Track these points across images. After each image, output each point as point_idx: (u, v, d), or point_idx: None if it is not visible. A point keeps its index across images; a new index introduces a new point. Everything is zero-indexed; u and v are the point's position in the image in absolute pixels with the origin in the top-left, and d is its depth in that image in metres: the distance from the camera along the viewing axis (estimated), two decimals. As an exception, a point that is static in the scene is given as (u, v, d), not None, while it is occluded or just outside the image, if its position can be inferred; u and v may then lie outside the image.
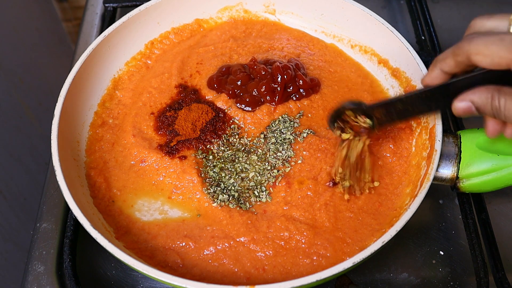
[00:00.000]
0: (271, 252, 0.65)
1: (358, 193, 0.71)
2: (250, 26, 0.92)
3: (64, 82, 0.75)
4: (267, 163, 0.75)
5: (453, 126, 0.83)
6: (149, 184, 0.73)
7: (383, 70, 0.84)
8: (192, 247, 0.66)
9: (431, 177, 0.65)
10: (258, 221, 0.68)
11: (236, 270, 0.65)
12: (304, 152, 0.75)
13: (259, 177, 0.73)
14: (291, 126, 0.78)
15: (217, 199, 0.70)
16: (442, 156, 0.68)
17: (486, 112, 0.58)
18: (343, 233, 0.67)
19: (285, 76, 0.79)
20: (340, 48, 0.90)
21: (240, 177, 0.73)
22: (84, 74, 0.78)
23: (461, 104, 0.59)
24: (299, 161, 0.74)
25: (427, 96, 0.63)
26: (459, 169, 0.69)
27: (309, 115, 0.80)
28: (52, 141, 0.69)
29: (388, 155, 0.75)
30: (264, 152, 0.76)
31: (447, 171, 0.69)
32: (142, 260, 0.62)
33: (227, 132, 0.78)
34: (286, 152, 0.75)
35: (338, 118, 0.70)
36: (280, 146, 0.76)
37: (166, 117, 0.79)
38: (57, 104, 0.72)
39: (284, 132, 0.77)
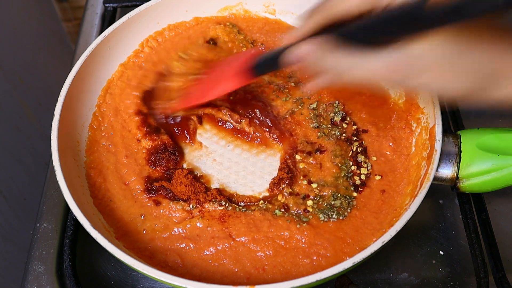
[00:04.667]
0: (271, 252, 0.65)
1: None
2: (250, 24, 0.92)
3: (64, 82, 0.75)
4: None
5: (453, 126, 0.83)
6: None
7: (383, 70, 0.84)
8: (192, 247, 0.66)
9: (431, 177, 0.65)
10: (260, 220, 0.68)
11: (236, 270, 0.64)
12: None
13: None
14: None
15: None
16: (442, 156, 0.68)
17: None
18: (343, 233, 0.67)
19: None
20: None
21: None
22: (84, 74, 0.78)
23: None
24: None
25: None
26: (459, 169, 0.69)
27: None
28: (52, 141, 0.69)
29: (388, 153, 0.75)
30: None
31: (447, 171, 0.69)
32: (142, 260, 0.62)
33: None
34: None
35: None
36: None
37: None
38: (57, 104, 0.72)
39: None
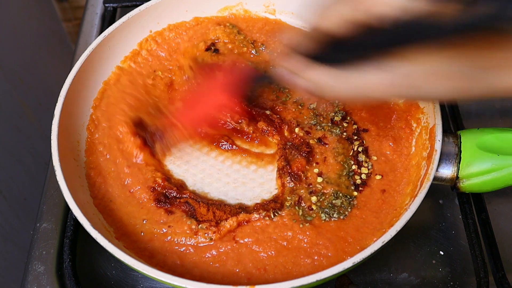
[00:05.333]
0: (273, 253, 0.65)
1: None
2: (250, 24, 0.92)
3: (64, 82, 0.75)
4: None
5: (453, 126, 0.83)
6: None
7: (383, 70, 0.84)
8: (192, 251, 0.66)
9: (431, 177, 0.65)
10: (266, 222, 0.68)
11: (237, 270, 0.64)
12: None
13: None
14: None
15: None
16: (442, 156, 0.68)
17: None
18: (345, 233, 0.67)
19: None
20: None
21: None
22: (84, 74, 0.78)
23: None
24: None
25: None
26: (459, 169, 0.69)
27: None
28: (52, 141, 0.69)
29: (388, 152, 0.75)
30: None
31: (447, 171, 0.69)
32: (142, 260, 0.62)
33: None
34: None
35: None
36: None
37: None
38: (57, 104, 0.72)
39: None
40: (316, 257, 0.65)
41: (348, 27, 0.48)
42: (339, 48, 0.51)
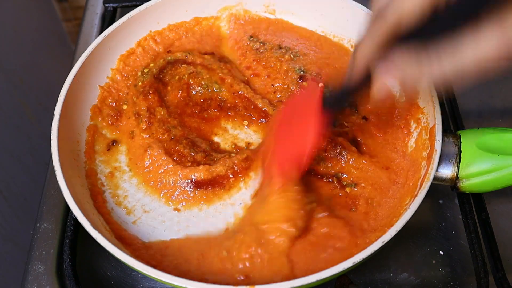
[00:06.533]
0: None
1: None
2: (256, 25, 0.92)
3: (64, 82, 0.75)
4: None
5: (453, 126, 0.83)
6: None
7: (383, 70, 0.84)
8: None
9: (431, 177, 0.65)
10: None
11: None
12: None
13: None
14: None
15: None
16: (442, 156, 0.68)
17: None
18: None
19: None
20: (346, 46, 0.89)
21: None
22: (84, 74, 0.78)
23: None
24: None
25: None
26: (459, 169, 0.69)
27: None
28: (52, 141, 0.69)
29: (388, 151, 0.75)
30: None
31: (447, 171, 0.69)
32: (142, 260, 0.62)
33: None
34: None
35: None
36: None
37: None
38: (57, 104, 0.72)
39: None
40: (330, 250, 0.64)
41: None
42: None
